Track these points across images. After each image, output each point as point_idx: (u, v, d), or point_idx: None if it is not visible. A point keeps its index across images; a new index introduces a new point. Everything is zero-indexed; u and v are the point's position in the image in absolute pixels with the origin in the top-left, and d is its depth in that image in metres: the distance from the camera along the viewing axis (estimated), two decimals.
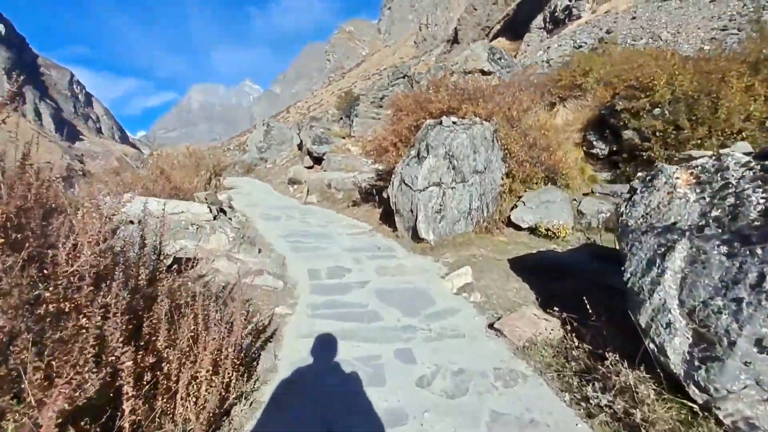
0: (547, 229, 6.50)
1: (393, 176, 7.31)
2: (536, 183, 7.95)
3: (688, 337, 2.35)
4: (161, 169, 9.72)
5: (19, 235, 2.05)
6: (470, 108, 7.66)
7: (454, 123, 7.28)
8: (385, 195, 9.00)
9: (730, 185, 2.52)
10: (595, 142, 9.13)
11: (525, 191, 7.83)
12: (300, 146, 21.41)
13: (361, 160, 13.86)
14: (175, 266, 4.05)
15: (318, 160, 15.69)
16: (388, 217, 8.41)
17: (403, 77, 20.04)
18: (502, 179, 7.81)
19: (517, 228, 7.13)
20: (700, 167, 2.77)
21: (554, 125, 9.03)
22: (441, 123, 7.25)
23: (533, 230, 6.88)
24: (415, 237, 6.72)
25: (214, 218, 5.29)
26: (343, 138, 16.76)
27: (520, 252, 5.92)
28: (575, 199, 7.64)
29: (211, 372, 2.21)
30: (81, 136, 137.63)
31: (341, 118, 18.16)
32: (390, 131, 8.27)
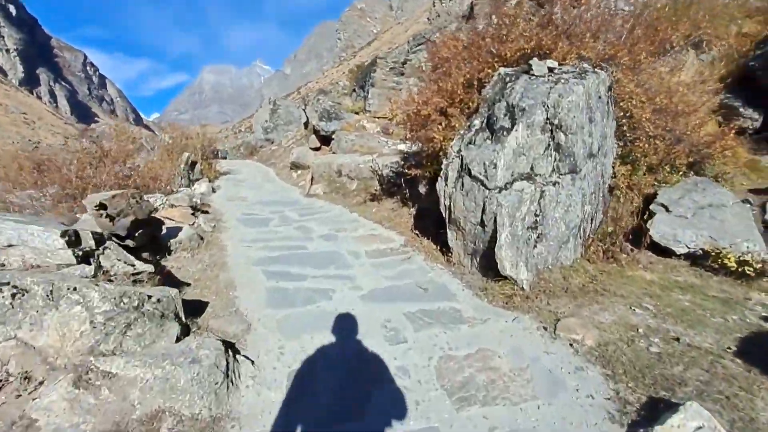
0: (743, 262, 3.42)
1: (446, 162, 4.25)
2: (671, 172, 4.82)
3: None
4: (104, 151, 6.81)
5: None
6: (571, 48, 4.49)
7: (551, 70, 4.14)
8: (422, 189, 5.99)
9: None
10: (741, 109, 5.87)
11: (655, 186, 4.73)
12: (306, 125, 18.32)
13: (379, 140, 10.76)
14: None
15: (326, 140, 12.62)
16: (425, 222, 5.44)
17: (426, 42, 16.61)
18: (614, 166, 4.72)
19: (661, 252, 4.06)
20: None
21: (680, 83, 5.78)
22: (529, 71, 4.13)
23: (698, 259, 3.82)
24: (488, 269, 3.73)
25: (85, 257, 2.36)
26: (357, 113, 13.61)
27: (713, 314, 2.89)
28: (748, 201, 4.51)
29: None
30: (96, 118, 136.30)
31: (354, 90, 14.96)
32: (433, 91, 5.16)
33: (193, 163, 10.90)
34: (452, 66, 5.17)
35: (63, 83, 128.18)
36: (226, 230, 5.44)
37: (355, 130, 11.80)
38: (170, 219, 4.77)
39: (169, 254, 3.79)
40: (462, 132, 4.35)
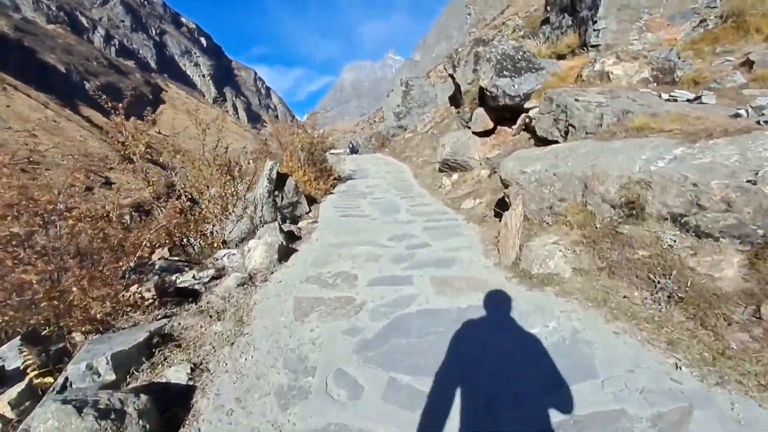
0: None
1: None
2: None
3: None
4: None
5: None
6: None
7: None
8: None
9: None
10: None
11: None
12: (455, 99, 12.24)
13: (677, 96, 4.01)
14: None
15: (506, 114, 6.38)
16: None
17: None
18: None
19: None
20: None
21: None
22: None
23: None
24: None
25: None
26: (561, 57, 6.88)
27: None
28: None
29: None
30: (264, 124, 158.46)
31: (546, 22, 8.11)
32: None
33: (283, 177, 6.14)
34: None
35: (242, 97, 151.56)
36: None
37: (577, 84, 5.20)
38: None
39: None
40: None
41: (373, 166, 13.48)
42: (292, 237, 4.27)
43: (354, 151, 26.52)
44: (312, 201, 6.86)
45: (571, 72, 5.91)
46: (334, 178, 8.94)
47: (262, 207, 5.70)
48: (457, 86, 10.22)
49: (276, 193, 5.91)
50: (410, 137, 17.68)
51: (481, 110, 6.79)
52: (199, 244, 3.95)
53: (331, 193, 8.01)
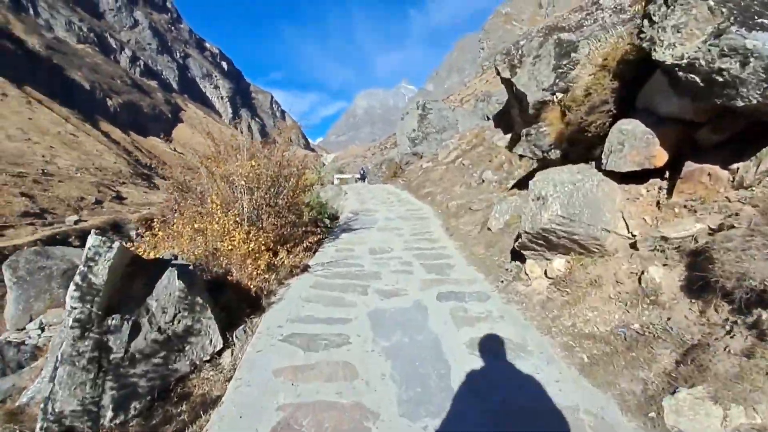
0: None
1: None
2: None
3: None
4: None
5: None
6: None
7: None
8: None
9: None
10: None
11: None
12: (504, 117, 8.51)
13: None
14: None
15: (719, 132, 2.51)
16: None
17: None
18: None
19: None
20: None
21: None
22: None
23: None
24: None
25: None
26: None
27: None
28: None
29: None
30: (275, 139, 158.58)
31: None
32: None
33: (156, 267, 2.32)
34: None
35: (257, 119, 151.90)
36: None
37: None
38: None
39: None
40: None
41: (384, 204, 9.66)
42: None
43: (364, 177, 23.26)
44: (251, 305, 3.00)
45: None
46: (318, 237, 5.13)
47: (53, 377, 1.81)
48: (518, 97, 6.48)
49: (114, 323, 2.05)
50: (430, 167, 13.94)
51: (635, 126, 2.94)
52: None
53: (306, 269, 4.14)
